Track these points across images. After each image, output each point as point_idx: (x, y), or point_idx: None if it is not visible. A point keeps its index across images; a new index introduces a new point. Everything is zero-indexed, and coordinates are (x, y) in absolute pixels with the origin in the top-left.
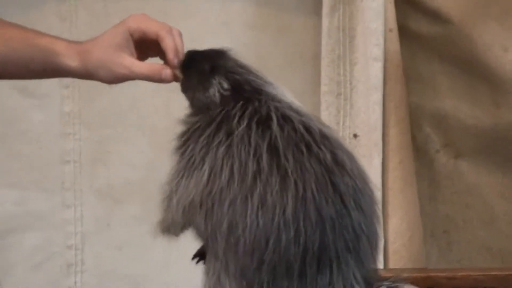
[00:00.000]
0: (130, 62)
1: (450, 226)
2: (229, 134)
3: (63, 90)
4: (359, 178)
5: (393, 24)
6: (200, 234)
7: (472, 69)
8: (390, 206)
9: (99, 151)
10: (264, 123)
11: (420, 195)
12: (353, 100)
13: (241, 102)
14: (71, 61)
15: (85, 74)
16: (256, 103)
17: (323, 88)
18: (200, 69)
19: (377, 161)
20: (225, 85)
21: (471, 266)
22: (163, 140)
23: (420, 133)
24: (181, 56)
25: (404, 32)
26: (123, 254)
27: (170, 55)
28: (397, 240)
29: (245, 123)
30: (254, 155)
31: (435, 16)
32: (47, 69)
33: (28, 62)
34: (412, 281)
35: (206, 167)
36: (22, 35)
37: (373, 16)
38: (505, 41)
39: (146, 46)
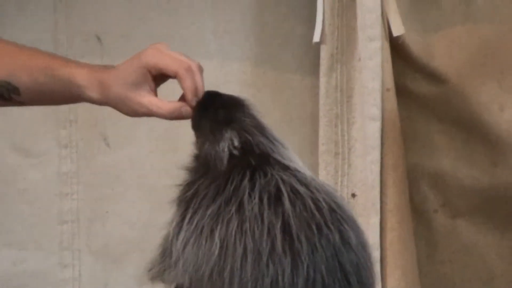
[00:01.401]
0: (148, 101)
1: (448, 286)
2: (240, 208)
3: (61, 150)
4: (362, 253)
5: (390, 83)
6: None
7: (469, 128)
8: (388, 266)
9: (97, 211)
10: (275, 199)
11: (418, 255)
12: (351, 160)
13: (248, 173)
14: (93, 92)
15: (106, 104)
16: (265, 174)
17: (321, 148)
18: (215, 117)
19: (375, 221)
20: (236, 143)
21: None
22: (162, 200)
23: (417, 193)
24: (200, 95)
25: (402, 92)
26: None
27: (189, 96)
28: None
29: (256, 198)
30: (268, 235)
31: (433, 75)
32: (69, 98)
33: (52, 92)
34: None
35: (217, 241)
36: (43, 65)
37: (370, 75)
38: (501, 100)
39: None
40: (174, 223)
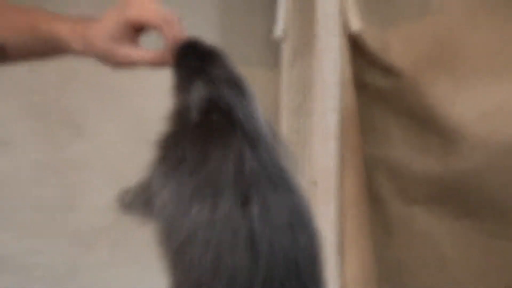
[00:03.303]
0: (130, 52)
1: (404, 272)
2: (215, 201)
3: (32, 137)
4: (312, 251)
5: (349, 77)
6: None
7: (423, 120)
8: (347, 253)
9: (68, 198)
10: (246, 202)
11: (374, 242)
12: (312, 149)
13: (221, 141)
14: (77, 45)
15: (91, 57)
16: (235, 156)
17: (283, 138)
18: (187, 67)
19: (333, 209)
20: (203, 94)
21: None
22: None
23: (374, 182)
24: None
25: (360, 85)
26: None
27: (171, 44)
28: (354, 287)
29: (231, 200)
30: (234, 235)
31: (389, 70)
32: (56, 52)
33: (38, 48)
34: None
35: (189, 222)
36: (29, 24)
37: (330, 69)
38: (453, 94)
39: None
40: (161, 179)
